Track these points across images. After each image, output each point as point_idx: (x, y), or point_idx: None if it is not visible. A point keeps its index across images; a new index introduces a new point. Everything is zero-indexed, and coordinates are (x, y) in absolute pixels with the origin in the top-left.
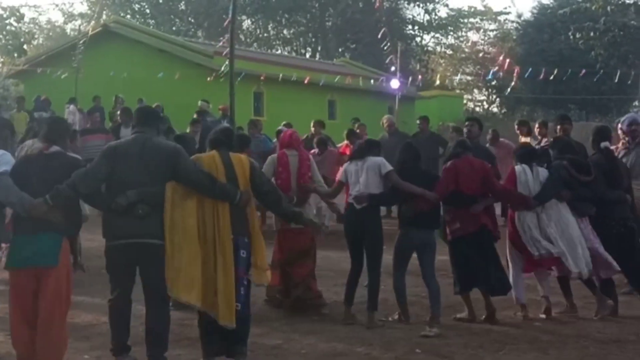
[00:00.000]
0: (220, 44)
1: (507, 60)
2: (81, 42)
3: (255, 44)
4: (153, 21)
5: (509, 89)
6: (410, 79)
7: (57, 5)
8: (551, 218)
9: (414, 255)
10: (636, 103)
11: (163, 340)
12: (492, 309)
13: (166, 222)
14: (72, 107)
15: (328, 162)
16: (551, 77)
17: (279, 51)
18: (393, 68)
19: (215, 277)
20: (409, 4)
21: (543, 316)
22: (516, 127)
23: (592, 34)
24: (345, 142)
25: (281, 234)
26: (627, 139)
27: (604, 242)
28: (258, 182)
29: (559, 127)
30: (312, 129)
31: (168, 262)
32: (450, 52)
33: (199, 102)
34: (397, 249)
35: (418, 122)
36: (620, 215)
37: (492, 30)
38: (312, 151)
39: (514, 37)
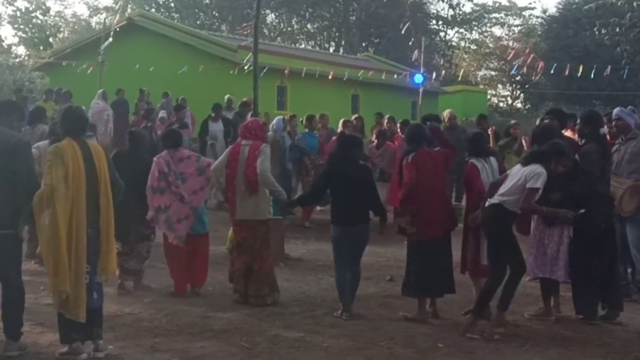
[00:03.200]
0: (240, 29)
1: (531, 56)
2: (107, 35)
3: (279, 38)
4: (177, 15)
5: (531, 82)
6: (434, 74)
7: None
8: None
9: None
10: None
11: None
12: (434, 308)
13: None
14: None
15: (387, 156)
16: (577, 73)
17: (303, 45)
18: (417, 62)
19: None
20: None
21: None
22: None
23: (617, 29)
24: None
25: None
26: (620, 135)
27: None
28: (111, 173)
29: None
30: (386, 126)
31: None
32: (475, 47)
33: (226, 97)
34: (333, 244)
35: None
36: (605, 211)
37: (517, 26)
38: (371, 144)
39: (539, 33)
